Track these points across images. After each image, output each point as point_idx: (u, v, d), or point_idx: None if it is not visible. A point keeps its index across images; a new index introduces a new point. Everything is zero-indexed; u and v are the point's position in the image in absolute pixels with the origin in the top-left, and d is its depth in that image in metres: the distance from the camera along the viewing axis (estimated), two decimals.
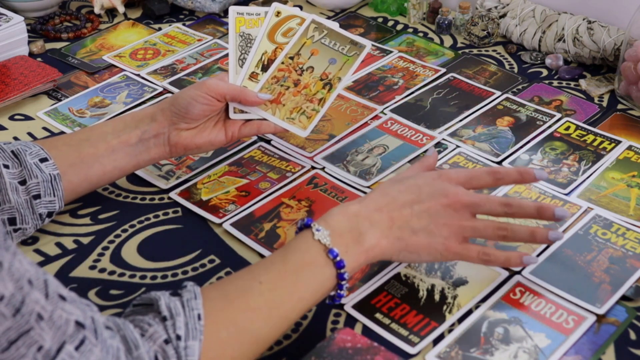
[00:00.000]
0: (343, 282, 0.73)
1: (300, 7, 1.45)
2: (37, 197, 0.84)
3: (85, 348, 0.56)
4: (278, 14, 0.96)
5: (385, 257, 0.76)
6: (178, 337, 0.62)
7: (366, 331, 0.78)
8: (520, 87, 1.20)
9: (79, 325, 0.56)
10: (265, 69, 0.95)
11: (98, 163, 0.89)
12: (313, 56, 0.96)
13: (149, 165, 0.94)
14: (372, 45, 1.30)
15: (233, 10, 0.96)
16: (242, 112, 0.94)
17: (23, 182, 0.84)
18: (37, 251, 0.88)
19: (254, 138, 1.08)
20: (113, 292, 0.83)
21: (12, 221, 0.84)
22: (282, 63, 0.95)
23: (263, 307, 0.69)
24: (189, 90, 0.90)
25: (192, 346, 0.62)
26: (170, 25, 1.39)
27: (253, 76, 0.95)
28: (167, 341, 0.62)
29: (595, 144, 1.06)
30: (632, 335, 0.78)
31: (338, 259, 0.72)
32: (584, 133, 1.08)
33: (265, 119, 0.95)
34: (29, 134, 1.10)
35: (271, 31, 0.96)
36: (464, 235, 0.77)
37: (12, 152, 0.85)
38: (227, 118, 0.94)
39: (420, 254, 0.76)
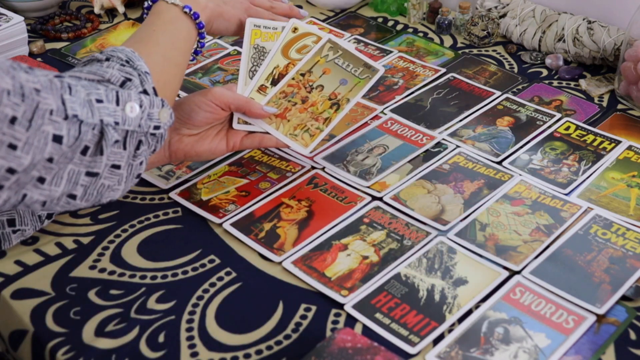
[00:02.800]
0: (201, 31, 0.90)
1: (300, 7, 1.45)
2: None
3: (74, 90, 0.67)
4: (295, 30, 0.96)
5: (214, 14, 0.93)
6: (127, 61, 0.75)
7: (366, 331, 0.78)
8: (520, 87, 1.20)
9: (58, 77, 0.67)
10: (275, 83, 0.95)
11: None
12: (324, 75, 0.95)
13: (148, 170, 0.94)
14: (372, 45, 1.30)
15: (250, 22, 0.96)
16: (245, 123, 0.94)
17: None
18: (37, 251, 0.88)
19: None
20: (113, 292, 0.83)
21: (11, 222, 0.84)
22: (293, 79, 0.95)
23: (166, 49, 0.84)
24: (194, 97, 0.89)
25: (140, 64, 0.77)
26: None
27: (262, 89, 0.95)
28: (122, 65, 0.75)
29: (595, 144, 1.06)
30: (632, 335, 0.78)
31: (192, 11, 0.88)
32: (584, 133, 1.08)
33: (268, 133, 0.95)
34: None
35: (286, 46, 0.96)
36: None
37: None
38: (230, 128, 0.93)
39: (230, 21, 0.96)
